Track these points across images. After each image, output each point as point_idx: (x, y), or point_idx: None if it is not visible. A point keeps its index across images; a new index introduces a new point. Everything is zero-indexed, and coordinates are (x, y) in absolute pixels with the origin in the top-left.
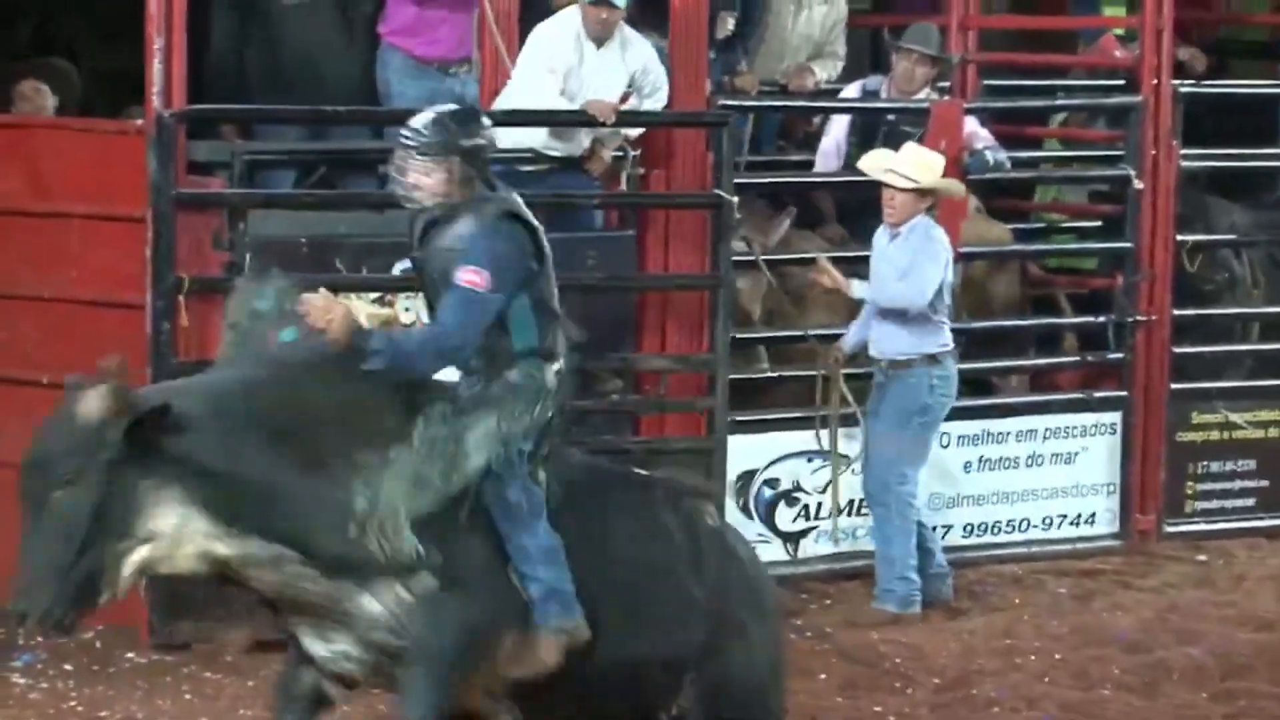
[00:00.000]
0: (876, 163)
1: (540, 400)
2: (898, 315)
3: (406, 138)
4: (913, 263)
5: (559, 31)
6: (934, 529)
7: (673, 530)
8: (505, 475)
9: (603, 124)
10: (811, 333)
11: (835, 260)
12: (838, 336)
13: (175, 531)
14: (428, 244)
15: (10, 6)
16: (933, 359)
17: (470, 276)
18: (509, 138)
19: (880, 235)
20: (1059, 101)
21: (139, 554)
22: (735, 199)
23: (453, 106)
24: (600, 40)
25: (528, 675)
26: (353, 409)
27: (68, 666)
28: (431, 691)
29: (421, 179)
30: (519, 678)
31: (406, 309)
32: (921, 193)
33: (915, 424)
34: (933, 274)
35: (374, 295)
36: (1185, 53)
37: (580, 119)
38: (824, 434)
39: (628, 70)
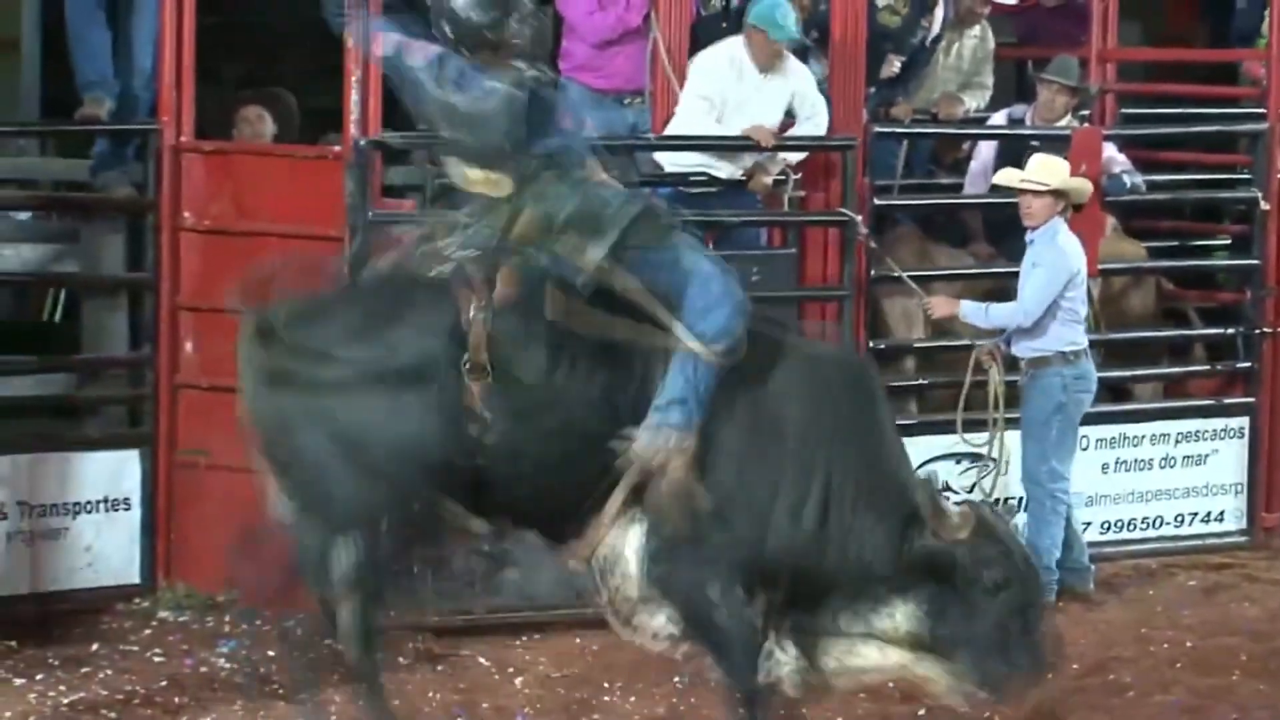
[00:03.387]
0: (1010, 177)
1: None
2: None
3: None
4: (1028, 275)
5: (717, 60)
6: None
7: None
8: None
9: (760, 148)
10: (976, 343)
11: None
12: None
13: None
14: None
15: (227, 47)
16: (1066, 358)
17: None
18: (678, 161)
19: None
20: (1190, 129)
21: None
22: (859, 217)
23: None
24: (764, 68)
25: None
26: None
27: (270, 653)
28: None
29: None
30: None
31: None
32: (1055, 196)
33: (1056, 422)
34: (1042, 288)
35: None
36: None
37: (739, 143)
38: (973, 435)
39: (786, 95)
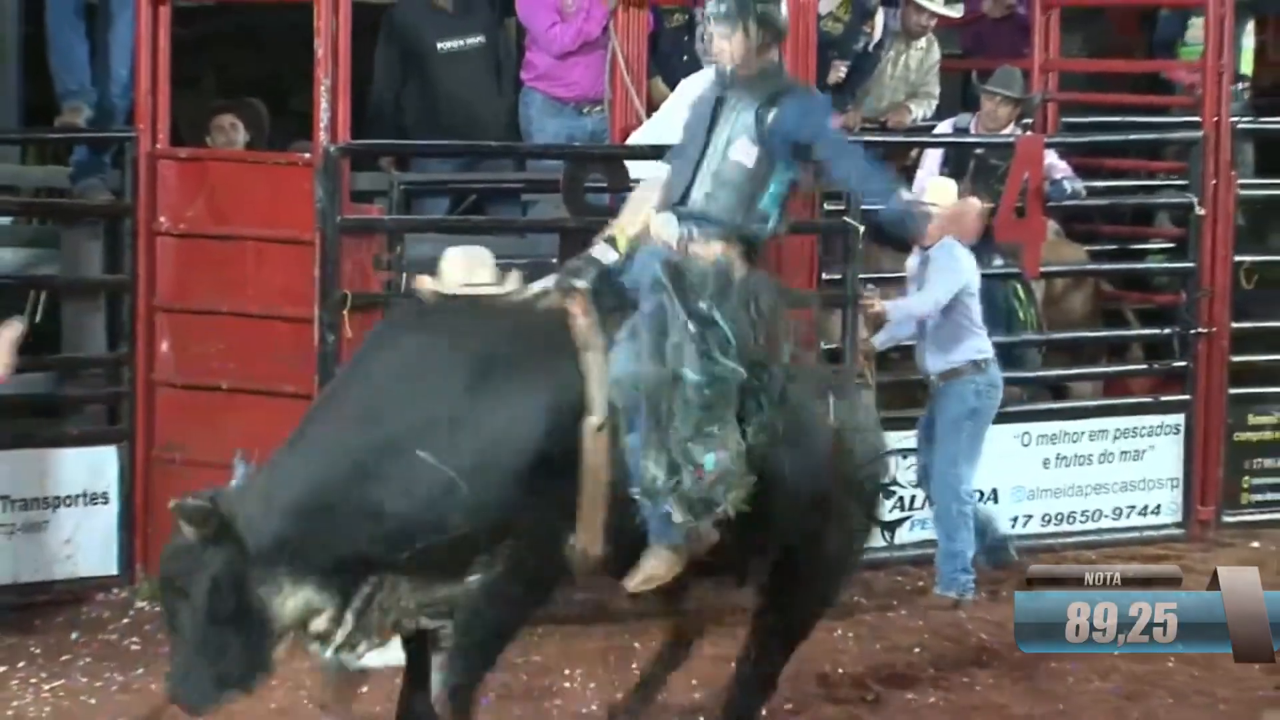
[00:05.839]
0: None
1: None
2: (932, 330)
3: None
4: (931, 279)
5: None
6: (1014, 519)
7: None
8: None
9: None
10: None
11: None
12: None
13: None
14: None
15: (196, 59)
16: (978, 366)
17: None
18: (638, 170)
19: (911, 259)
20: (1129, 137)
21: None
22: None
23: None
24: None
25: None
26: None
27: None
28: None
29: (722, 44)
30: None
31: None
32: None
33: (966, 427)
34: (944, 287)
35: None
36: None
37: None
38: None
39: None
